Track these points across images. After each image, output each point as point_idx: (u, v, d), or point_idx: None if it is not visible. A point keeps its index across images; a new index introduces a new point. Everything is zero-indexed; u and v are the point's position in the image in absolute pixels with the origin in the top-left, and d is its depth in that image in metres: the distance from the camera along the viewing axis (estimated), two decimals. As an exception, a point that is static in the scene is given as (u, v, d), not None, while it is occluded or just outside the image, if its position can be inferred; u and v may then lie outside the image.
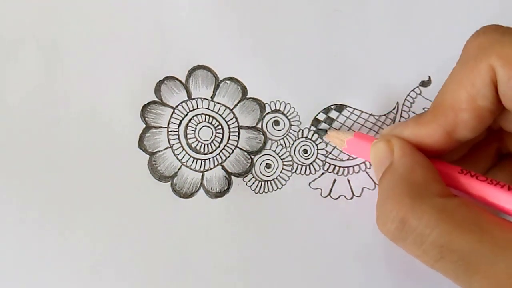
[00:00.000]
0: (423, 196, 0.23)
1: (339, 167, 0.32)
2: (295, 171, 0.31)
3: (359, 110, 0.32)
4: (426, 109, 0.32)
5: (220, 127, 0.31)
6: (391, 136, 0.26)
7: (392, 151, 0.25)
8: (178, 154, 0.31)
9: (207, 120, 0.31)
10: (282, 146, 0.32)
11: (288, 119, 0.32)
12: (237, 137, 0.31)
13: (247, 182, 0.31)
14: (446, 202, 0.22)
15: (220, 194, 0.31)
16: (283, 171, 0.31)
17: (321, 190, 0.31)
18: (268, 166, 0.31)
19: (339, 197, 0.31)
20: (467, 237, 0.21)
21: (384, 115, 0.32)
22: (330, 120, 0.32)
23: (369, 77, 0.32)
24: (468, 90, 0.23)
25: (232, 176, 0.31)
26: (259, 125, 0.31)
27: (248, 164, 0.31)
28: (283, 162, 0.31)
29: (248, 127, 0.31)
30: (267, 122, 0.31)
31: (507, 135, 0.28)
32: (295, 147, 0.32)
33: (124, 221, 0.30)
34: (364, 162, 0.32)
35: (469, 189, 0.24)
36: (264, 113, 0.32)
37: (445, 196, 0.23)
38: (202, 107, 0.31)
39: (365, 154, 0.28)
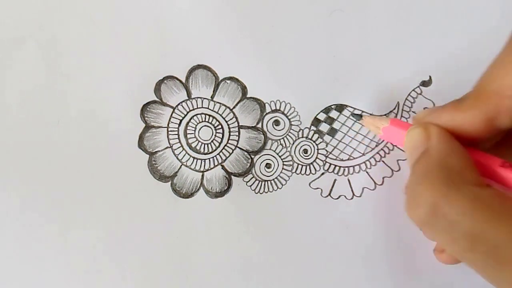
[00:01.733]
0: (458, 183, 0.22)
1: (340, 167, 0.32)
2: (295, 171, 0.31)
3: (360, 110, 0.32)
4: (427, 109, 0.32)
5: (220, 127, 0.31)
6: (428, 123, 0.26)
7: (429, 137, 0.25)
8: (178, 154, 0.31)
9: (207, 120, 0.31)
10: (282, 146, 0.31)
11: (288, 119, 0.32)
12: (237, 137, 0.31)
13: (247, 182, 0.31)
14: (480, 191, 0.22)
15: (220, 194, 0.31)
16: (283, 171, 0.31)
17: (321, 190, 0.31)
18: (268, 166, 0.31)
19: (339, 197, 0.31)
20: (500, 228, 0.20)
21: (385, 115, 0.32)
22: (330, 120, 0.32)
23: (369, 77, 0.32)
24: None
25: (232, 176, 0.31)
26: (259, 125, 0.31)
27: (248, 164, 0.31)
28: (283, 162, 0.31)
29: (248, 127, 0.31)
30: (267, 122, 0.31)
31: None
32: (295, 147, 0.31)
33: (124, 221, 0.30)
34: (364, 162, 0.32)
35: (510, 182, 0.24)
36: (264, 113, 0.31)
37: (480, 185, 0.22)
38: (202, 107, 0.31)
39: (400, 141, 0.28)
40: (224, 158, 0.31)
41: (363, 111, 0.31)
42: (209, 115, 0.31)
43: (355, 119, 0.31)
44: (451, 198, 0.22)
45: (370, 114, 0.31)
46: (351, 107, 0.32)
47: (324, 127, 0.32)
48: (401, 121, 0.29)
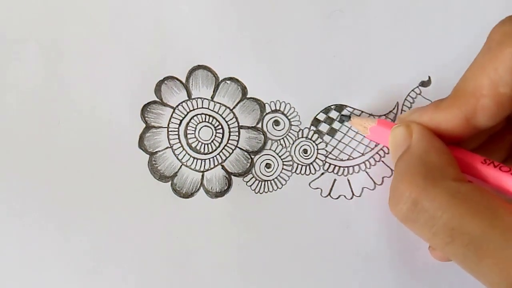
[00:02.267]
0: (437, 179, 0.23)
1: (339, 167, 0.32)
2: (295, 171, 0.31)
3: (359, 110, 0.32)
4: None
5: (220, 127, 0.31)
6: (411, 121, 0.26)
7: (411, 135, 0.25)
8: (178, 154, 0.31)
9: (207, 120, 0.31)
10: (282, 146, 0.32)
11: (288, 119, 0.32)
12: (237, 137, 0.31)
13: (247, 182, 0.31)
14: (460, 186, 0.22)
15: (220, 194, 0.31)
16: (283, 171, 0.31)
17: (321, 190, 0.31)
18: (268, 166, 0.31)
19: (339, 197, 0.31)
20: (479, 221, 0.21)
21: (384, 115, 0.32)
22: (330, 120, 0.32)
23: (369, 77, 0.32)
24: (491, 76, 0.23)
25: (232, 176, 0.31)
26: (259, 125, 0.32)
27: (248, 164, 0.31)
28: (283, 162, 0.31)
29: (248, 127, 0.31)
30: (267, 122, 0.32)
31: None
32: (295, 147, 0.32)
33: (124, 221, 0.30)
34: (364, 162, 0.32)
35: (491, 179, 0.24)
36: (264, 113, 0.32)
37: (459, 180, 0.23)
38: (202, 107, 0.31)
39: (387, 140, 0.28)
40: (224, 158, 0.31)
41: (352, 112, 0.32)
42: (209, 115, 0.31)
43: (343, 120, 0.31)
44: (431, 193, 0.22)
45: (359, 114, 0.32)
46: (351, 107, 0.32)
47: (324, 127, 0.32)
48: (388, 122, 0.29)
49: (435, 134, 0.26)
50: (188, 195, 0.31)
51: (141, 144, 0.31)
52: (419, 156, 0.24)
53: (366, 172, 0.32)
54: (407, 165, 0.24)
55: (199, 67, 0.31)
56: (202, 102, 0.31)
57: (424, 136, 0.25)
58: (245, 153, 0.31)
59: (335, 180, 0.32)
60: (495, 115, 0.24)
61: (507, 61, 0.23)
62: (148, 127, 0.31)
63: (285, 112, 0.32)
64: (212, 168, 0.31)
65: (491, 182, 0.24)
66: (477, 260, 0.21)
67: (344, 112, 0.31)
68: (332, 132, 0.32)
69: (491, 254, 0.21)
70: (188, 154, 0.31)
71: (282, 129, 0.32)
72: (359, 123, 0.30)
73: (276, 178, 0.31)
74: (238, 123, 0.31)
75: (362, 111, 0.32)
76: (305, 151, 0.32)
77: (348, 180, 0.32)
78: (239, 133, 0.31)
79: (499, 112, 0.24)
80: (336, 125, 0.32)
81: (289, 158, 0.31)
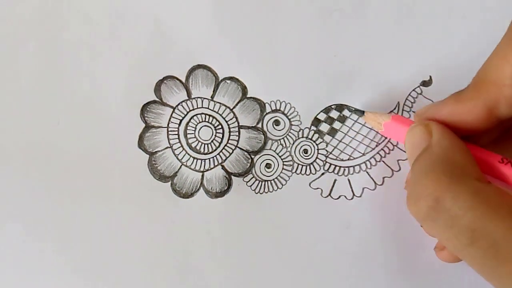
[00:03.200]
0: (461, 177, 0.22)
1: (340, 167, 0.31)
2: (295, 171, 0.31)
3: (360, 110, 0.32)
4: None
5: (220, 126, 0.31)
6: (428, 118, 0.26)
7: (430, 134, 0.25)
8: (178, 154, 0.31)
9: (207, 120, 0.31)
10: (283, 146, 0.31)
11: (289, 119, 0.32)
12: (237, 137, 0.31)
13: (247, 182, 0.31)
14: (483, 187, 0.22)
15: (220, 194, 0.31)
16: (283, 171, 0.31)
17: (322, 190, 0.31)
18: (268, 166, 0.31)
19: (339, 197, 0.31)
20: (501, 224, 0.20)
21: (385, 115, 0.32)
22: (330, 120, 0.32)
23: (369, 77, 0.32)
24: None
25: (232, 176, 0.31)
26: (259, 125, 0.31)
27: (248, 164, 0.31)
28: (283, 162, 0.31)
29: (248, 127, 0.31)
30: (267, 122, 0.31)
31: None
32: (296, 147, 0.31)
33: (124, 221, 0.30)
34: (364, 162, 0.32)
35: (509, 178, 0.24)
36: (264, 113, 0.31)
37: (482, 181, 0.22)
38: (202, 107, 0.31)
39: (401, 137, 0.28)
40: (224, 158, 0.31)
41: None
42: (209, 115, 0.31)
43: (357, 115, 0.31)
44: (455, 192, 0.22)
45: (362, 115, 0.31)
46: (351, 107, 0.32)
47: (324, 127, 0.32)
48: (403, 117, 0.29)
49: (454, 127, 0.25)
50: (188, 195, 0.31)
51: (141, 144, 0.31)
52: (441, 154, 0.23)
53: (367, 172, 0.32)
54: (430, 163, 0.23)
55: (199, 66, 0.31)
56: (202, 102, 0.31)
57: (445, 135, 0.24)
58: (245, 153, 0.31)
59: (335, 180, 0.31)
60: None
61: None
62: (147, 127, 0.31)
63: (285, 112, 0.32)
64: (212, 168, 0.31)
65: (510, 181, 0.24)
66: (496, 265, 0.20)
67: (357, 107, 0.31)
68: (332, 132, 0.32)
69: (510, 258, 0.20)
70: (188, 154, 0.31)
71: (282, 129, 0.32)
72: (373, 118, 0.30)
73: (276, 178, 0.31)
74: (238, 123, 0.31)
75: (362, 111, 0.32)
76: (305, 151, 0.31)
77: (349, 180, 0.31)
78: (239, 133, 0.31)
79: None
80: (336, 125, 0.32)
81: (290, 158, 0.31)
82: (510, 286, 0.20)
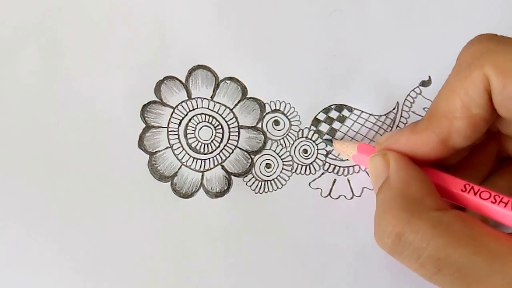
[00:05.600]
0: (419, 211, 0.23)
1: (339, 167, 0.32)
2: (295, 171, 0.31)
3: (359, 110, 0.32)
4: (426, 109, 0.32)
5: (220, 127, 0.31)
6: (387, 148, 0.27)
7: (388, 164, 0.26)
8: (178, 154, 0.31)
9: (207, 120, 0.31)
10: (282, 146, 0.32)
11: (288, 119, 0.32)
12: (237, 137, 0.31)
13: (247, 182, 0.31)
14: (441, 216, 0.22)
15: (220, 194, 0.31)
16: (283, 171, 0.31)
17: (321, 190, 0.31)
18: (268, 166, 0.31)
19: (339, 197, 0.31)
20: (463, 250, 0.21)
21: (384, 115, 0.32)
22: (330, 120, 0.32)
23: (369, 77, 0.32)
24: (462, 98, 0.23)
25: (232, 176, 0.31)
26: (259, 125, 0.31)
27: (248, 164, 0.31)
28: (283, 162, 0.31)
29: (248, 127, 0.31)
30: (267, 122, 0.31)
31: (506, 138, 0.28)
32: (295, 147, 0.32)
33: (124, 221, 0.30)
34: (364, 162, 0.32)
35: (471, 206, 0.24)
36: (264, 113, 0.32)
37: (440, 209, 0.23)
38: (202, 107, 0.31)
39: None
40: (224, 158, 0.31)
41: (333, 137, 0.31)
42: (209, 115, 0.31)
43: (326, 144, 0.31)
44: (414, 226, 0.22)
45: (339, 139, 0.31)
46: (351, 107, 0.32)
47: (324, 127, 0.32)
48: (368, 146, 0.29)
49: (412, 158, 0.26)
50: (188, 195, 0.31)
51: (141, 144, 0.31)
52: (398, 188, 0.24)
53: (366, 172, 0.32)
54: (387, 198, 0.24)
55: (199, 66, 0.31)
56: (202, 102, 0.31)
57: (401, 165, 0.25)
58: (245, 153, 0.31)
59: (335, 180, 0.31)
60: (470, 136, 0.24)
61: (477, 82, 0.23)
62: (148, 127, 0.31)
63: (285, 112, 0.32)
64: (212, 168, 0.31)
65: (472, 208, 0.24)
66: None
67: (326, 136, 0.31)
68: (332, 132, 0.32)
69: (477, 281, 0.21)
70: (188, 154, 0.31)
71: (282, 129, 0.32)
72: (341, 149, 0.31)
73: (276, 178, 0.31)
74: (238, 123, 0.31)
75: (362, 111, 0.32)
76: (305, 151, 0.32)
77: (348, 180, 0.32)
78: (239, 133, 0.31)
79: (474, 132, 0.24)
80: (336, 125, 0.32)
81: (289, 158, 0.31)
82: None
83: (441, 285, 0.22)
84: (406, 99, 0.32)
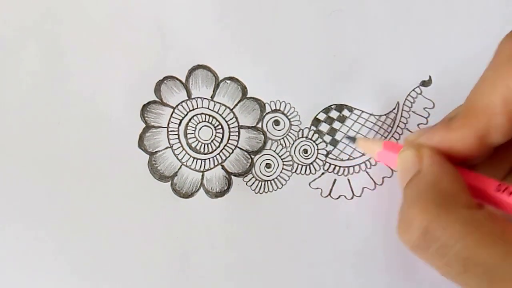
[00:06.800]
0: (450, 206, 0.22)
1: (339, 167, 0.32)
2: (295, 171, 0.31)
3: (359, 110, 0.32)
4: (426, 109, 0.32)
5: (220, 127, 0.31)
6: (419, 144, 0.26)
7: (421, 159, 0.24)
8: (178, 154, 0.31)
9: (207, 120, 0.31)
10: (282, 146, 0.32)
11: (288, 119, 0.32)
12: (237, 137, 0.31)
13: (247, 182, 0.31)
14: (473, 214, 0.21)
15: (220, 194, 0.31)
16: (283, 171, 0.31)
17: (321, 190, 0.31)
18: (268, 166, 0.31)
19: (339, 197, 0.31)
20: (493, 251, 0.20)
21: (385, 115, 0.32)
22: (330, 120, 0.32)
23: (369, 77, 0.32)
24: (503, 93, 0.22)
25: (232, 176, 0.31)
26: (259, 125, 0.31)
27: (248, 164, 0.31)
28: (283, 162, 0.31)
29: (248, 127, 0.31)
30: (267, 122, 0.31)
31: None
32: (295, 147, 0.32)
33: (124, 221, 0.30)
34: (364, 162, 0.32)
35: (506, 206, 0.23)
36: (264, 113, 0.32)
37: (472, 208, 0.22)
38: (202, 107, 0.31)
39: (394, 162, 0.27)
40: (224, 158, 0.31)
41: (358, 132, 0.31)
42: (209, 115, 0.31)
43: (347, 143, 0.31)
44: (443, 222, 0.21)
45: (365, 136, 0.31)
46: (351, 107, 0.32)
47: (324, 127, 0.32)
48: (394, 144, 0.28)
49: (446, 155, 0.25)
50: (188, 195, 0.31)
51: (141, 144, 0.31)
52: (430, 182, 0.23)
53: (367, 172, 0.32)
54: (418, 191, 0.23)
55: (199, 66, 0.31)
56: (202, 102, 0.31)
57: (435, 161, 0.24)
58: (245, 153, 0.31)
59: (335, 180, 0.31)
60: (509, 132, 0.23)
61: None
62: (148, 127, 0.31)
63: (285, 112, 0.32)
64: (212, 168, 0.31)
65: (505, 209, 0.23)
66: None
67: (350, 133, 0.31)
68: (332, 132, 0.32)
69: (506, 285, 0.20)
70: (188, 154, 0.31)
71: (282, 129, 0.32)
72: (365, 146, 0.30)
73: (276, 178, 0.31)
74: (238, 123, 0.31)
75: (363, 111, 0.32)
76: (305, 151, 0.32)
77: (349, 180, 0.32)
78: (239, 133, 0.31)
79: None
80: (336, 125, 0.32)
81: (289, 158, 0.31)
82: None
83: (466, 285, 0.21)
84: (406, 99, 0.32)
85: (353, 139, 0.31)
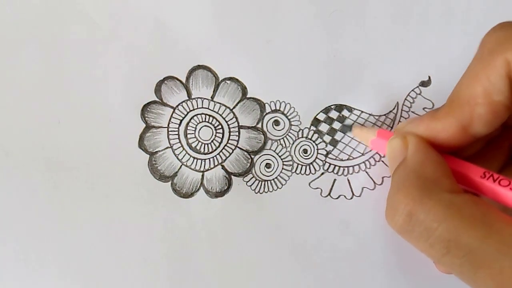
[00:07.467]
0: (432, 191, 0.23)
1: (339, 167, 0.32)
2: (295, 171, 0.31)
3: (359, 110, 0.32)
4: (426, 109, 0.32)
5: (220, 127, 0.31)
6: (407, 132, 0.27)
7: (407, 147, 0.26)
8: (178, 154, 0.31)
9: (207, 120, 0.31)
10: (282, 146, 0.32)
11: (288, 119, 0.32)
12: (237, 137, 0.31)
13: (247, 182, 0.31)
14: (455, 198, 0.22)
15: (220, 194, 0.31)
16: (283, 171, 0.31)
17: (321, 190, 0.31)
18: (268, 166, 0.31)
19: (339, 197, 0.31)
20: (474, 233, 0.21)
21: (384, 115, 0.32)
22: (330, 120, 0.32)
23: (369, 77, 0.32)
24: (484, 84, 0.23)
25: (232, 176, 0.31)
26: (259, 125, 0.32)
27: (248, 164, 0.31)
28: (283, 162, 0.31)
29: (248, 127, 0.31)
30: (267, 122, 0.32)
31: None
32: (295, 147, 0.32)
33: (124, 221, 0.30)
34: (364, 162, 0.32)
35: (489, 193, 0.24)
36: (264, 113, 0.32)
37: (454, 192, 0.23)
38: (202, 107, 0.31)
39: (385, 150, 0.28)
40: (224, 158, 0.31)
41: (355, 121, 0.32)
42: (209, 115, 0.31)
43: (344, 132, 0.31)
44: (426, 205, 0.22)
45: (358, 116, 0.31)
46: (351, 107, 0.32)
47: (324, 127, 0.32)
48: (388, 132, 0.29)
49: (432, 145, 0.26)
50: (188, 195, 0.31)
51: (141, 144, 0.31)
52: (414, 168, 0.24)
53: (366, 172, 0.32)
54: (402, 177, 0.24)
55: (199, 67, 0.31)
56: (202, 102, 0.31)
57: (419, 148, 0.25)
58: (245, 153, 0.31)
59: (335, 180, 0.32)
60: (491, 123, 0.24)
61: (499, 68, 0.23)
62: (148, 127, 0.31)
63: (285, 112, 0.32)
64: (212, 168, 0.31)
65: (490, 196, 0.24)
66: (473, 272, 0.21)
67: (346, 122, 0.31)
68: (332, 132, 0.32)
69: (486, 266, 0.21)
70: (188, 154, 0.31)
71: (282, 129, 0.32)
72: (361, 134, 0.31)
73: (276, 178, 0.31)
74: (238, 123, 0.31)
75: (362, 111, 0.32)
76: (305, 151, 0.32)
77: (348, 180, 0.32)
78: (239, 133, 0.31)
79: (495, 119, 0.24)
80: (336, 125, 0.32)
81: (289, 158, 0.31)
82: None
83: (450, 267, 0.22)
84: (406, 99, 0.32)
85: (349, 128, 0.31)
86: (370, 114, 0.32)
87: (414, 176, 0.24)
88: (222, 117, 0.31)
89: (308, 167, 0.31)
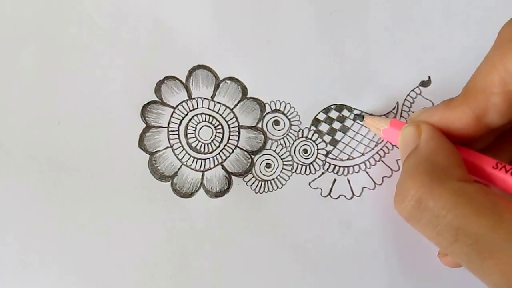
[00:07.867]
0: (443, 179, 0.23)
1: (339, 166, 0.32)
2: (295, 171, 0.31)
3: (359, 110, 0.32)
4: (422, 108, 0.32)
5: (220, 126, 0.31)
6: (421, 121, 0.26)
7: (420, 135, 0.25)
8: (178, 154, 0.31)
9: (207, 120, 0.31)
10: (282, 146, 0.32)
11: (288, 119, 0.32)
12: (237, 137, 0.31)
13: (247, 181, 0.31)
14: (465, 186, 0.22)
15: (220, 193, 0.31)
16: (283, 171, 0.31)
17: (321, 190, 0.31)
18: (268, 166, 0.31)
19: (339, 197, 0.31)
20: (483, 222, 0.21)
21: (384, 115, 0.32)
22: (330, 120, 0.32)
23: (369, 77, 0.32)
24: (501, 74, 0.23)
25: (232, 176, 0.31)
26: (259, 125, 0.32)
27: (248, 164, 0.31)
28: (283, 162, 0.31)
29: (248, 127, 0.31)
30: (267, 122, 0.32)
31: None
32: (295, 147, 0.32)
33: (124, 221, 0.30)
34: (364, 162, 0.32)
35: (501, 184, 0.24)
36: (264, 113, 0.32)
37: (465, 181, 0.23)
38: (202, 107, 0.31)
39: (397, 140, 0.28)
40: (224, 158, 0.31)
41: (362, 111, 0.32)
42: (209, 115, 0.31)
43: (355, 120, 0.31)
44: (436, 193, 0.22)
45: (370, 114, 0.32)
46: (351, 107, 0.32)
47: (324, 127, 0.32)
48: (400, 122, 0.29)
49: (445, 134, 0.25)
50: (188, 195, 0.31)
51: (141, 144, 0.31)
52: (426, 156, 0.24)
53: (366, 172, 0.32)
54: (414, 164, 0.24)
55: (199, 67, 0.31)
56: (202, 102, 0.31)
57: (432, 136, 0.25)
58: (245, 153, 0.31)
59: (335, 180, 0.32)
60: (506, 113, 0.24)
61: None
62: (148, 127, 0.31)
63: (285, 112, 0.32)
64: (212, 168, 0.31)
65: (501, 186, 0.24)
66: (480, 261, 0.21)
67: (356, 111, 0.31)
68: (332, 132, 0.32)
69: (494, 255, 0.21)
70: (188, 154, 0.31)
71: (282, 129, 0.32)
72: (372, 124, 0.30)
73: (276, 178, 0.31)
74: (238, 122, 0.31)
75: (362, 111, 0.32)
76: (305, 151, 0.32)
77: (348, 180, 0.32)
78: (239, 133, 0.31)
79: (510, 109, 0.24)
80: (336, 125, 0.32)
81: (289, 158, 0.31)
82: (493, 279, 0.21)
83: (457, 256, 0.22)
84: (406, 99, 0.32)
85: (361, 117, 0.31)
86: (370, 114, 0.32)
87: (425, 163, 0.24)
88: (222, 117, 0.31)
89: (308, 167, 0.31)
